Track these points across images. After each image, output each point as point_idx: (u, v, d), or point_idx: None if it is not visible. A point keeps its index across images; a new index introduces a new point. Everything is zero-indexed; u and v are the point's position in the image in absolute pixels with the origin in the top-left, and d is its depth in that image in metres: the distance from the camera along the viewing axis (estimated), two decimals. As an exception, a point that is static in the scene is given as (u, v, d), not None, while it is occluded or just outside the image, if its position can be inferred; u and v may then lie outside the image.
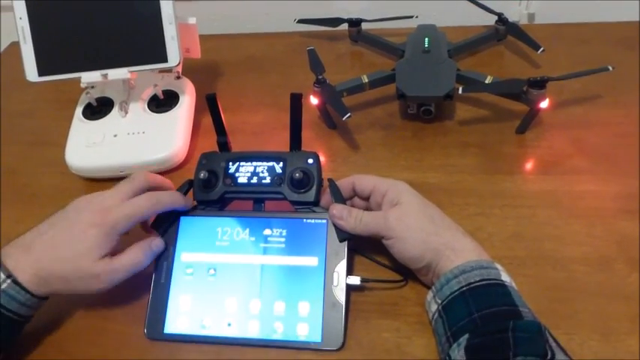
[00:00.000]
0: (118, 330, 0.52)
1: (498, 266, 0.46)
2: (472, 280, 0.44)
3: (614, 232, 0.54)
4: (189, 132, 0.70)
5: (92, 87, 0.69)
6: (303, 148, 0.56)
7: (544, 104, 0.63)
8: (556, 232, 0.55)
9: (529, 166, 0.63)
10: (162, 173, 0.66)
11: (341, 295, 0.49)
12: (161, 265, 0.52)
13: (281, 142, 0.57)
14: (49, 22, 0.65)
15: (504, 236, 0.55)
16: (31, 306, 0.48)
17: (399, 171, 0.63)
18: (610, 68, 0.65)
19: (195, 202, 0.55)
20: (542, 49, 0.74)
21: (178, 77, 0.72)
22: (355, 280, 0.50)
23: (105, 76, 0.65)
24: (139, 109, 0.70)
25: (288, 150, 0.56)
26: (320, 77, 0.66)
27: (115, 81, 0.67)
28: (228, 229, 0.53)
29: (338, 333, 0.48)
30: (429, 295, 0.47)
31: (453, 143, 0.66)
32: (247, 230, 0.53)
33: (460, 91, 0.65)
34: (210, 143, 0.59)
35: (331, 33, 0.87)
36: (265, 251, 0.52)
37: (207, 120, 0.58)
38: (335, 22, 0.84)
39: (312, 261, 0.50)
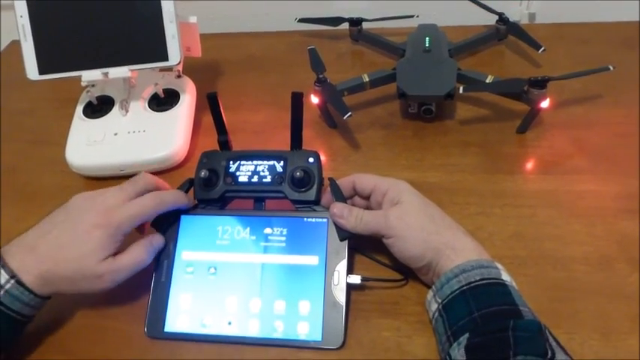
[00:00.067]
0: (118, 329, 0.51)
1: (499, 265, 0.46)
2: (472, 280, 0.44)
3: (614, 232, 0.54)
4: (190, 131, 0.70)
5: (93, 85, 0.68)
6: (303, 147, 0.56)
7: (545, 104, 0.63)
8: (556, 232, 0.55)
9: (530, 165, 0.63)
10: (162, 172, 0.66)
11: (341, 294, 0.49)
12: (161, 263, 0.52)
13: (282, 141, 0.57)
14: (49, 21, 0.65)
15: (505, 236, 0.55)
16: (34, 306, 0.48)
17: (400, 170, 0.63)
18: (610, 68, 0.65)
19: (195, 201, 0.55)
20: (542, 48, 0.74)
21: (179, 76, 0.72)
22: (356, 279, 0.50)
23: (105, 74, 0.65)
24: (139, 107, 0.70)
25: (289, 149, 0.56)
26: (321, 76, 0.66)
27: (115, 79, 0.67)
28: (228, 227, 0.53)
29: (338, 332, 0.48)
30: (430, 294, 0.47)
31: (454, 143, 0.66)
32: (248, 229, 0.53)
33: (461, 91, 0.65)
34: (210, 142, 0.59)
35: (332, 32, 0.87)
36: (266, 250, 0.52)
37: (208, 119, 0.58)
38: (336, 21, 0.84)
39: (312, 260, 0.50)
